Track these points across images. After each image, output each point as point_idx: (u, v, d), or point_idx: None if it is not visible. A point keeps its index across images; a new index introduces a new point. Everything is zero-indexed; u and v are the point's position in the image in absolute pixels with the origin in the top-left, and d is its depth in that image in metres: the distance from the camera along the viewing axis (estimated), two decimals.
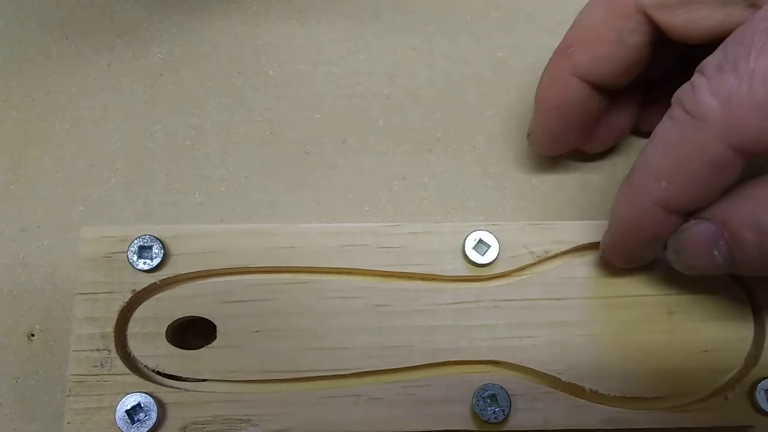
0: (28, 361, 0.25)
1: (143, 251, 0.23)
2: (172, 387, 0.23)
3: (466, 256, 0.24)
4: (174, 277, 0.24)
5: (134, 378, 0.23)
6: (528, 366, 0.23)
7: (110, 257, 0.23)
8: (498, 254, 0.24)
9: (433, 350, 0.23)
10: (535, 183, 0.28)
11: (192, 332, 0.24)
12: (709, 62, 0.19)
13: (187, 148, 0.28)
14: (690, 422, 0.23)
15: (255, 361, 0.23)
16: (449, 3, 0.30)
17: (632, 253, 0.23)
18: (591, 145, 0.27)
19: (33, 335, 0.26)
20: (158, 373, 0.23)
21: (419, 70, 0.29)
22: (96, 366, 0.23)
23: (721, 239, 0.20)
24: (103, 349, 0.23)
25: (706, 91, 0.19)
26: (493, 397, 0.23)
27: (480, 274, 0.24)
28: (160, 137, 0.28)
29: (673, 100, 0.20)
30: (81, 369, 0.23)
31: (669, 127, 0.20)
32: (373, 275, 0.24)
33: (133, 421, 0.22)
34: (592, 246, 0.24)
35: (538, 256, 0.24)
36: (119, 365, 0.23)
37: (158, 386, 0.23)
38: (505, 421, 0.22)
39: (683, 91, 0.20)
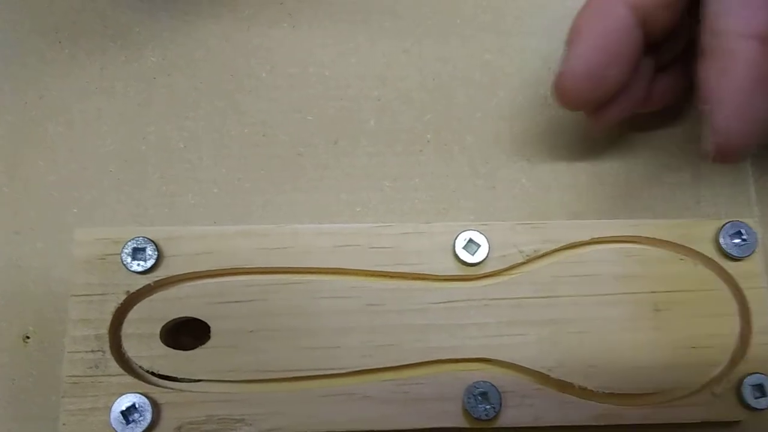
0: (23, 362, 0.25)
1: (137, 253, 0.24)
2: (167, 387, 0.23)
3: (456, 256, 0.24)
4: (168, 278, 0.24)
5: (129, 379, 0.23)
6: (518, 363, 0.23)
7: (104, 259, 0.24)
8: (488, 254, 0.24)
9: (424, 349, 0.24)
10: (525, 183, 0.28)
11: (186, 333, 0.24)
12: None
13: (180, 150, 0.28)
14: (677, 418, 0.23)
15: (249, 361, 0.23)
16: (438, 6, 0.30)
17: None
18: (612, 109, 0.26)
19: (28, 337, 0.26)
20: (153, 373, 0.23)
21: (409, 72, 0.30)
22: (91, 367, 0.23)
23: None
24: (98, 351, 0.23)
25: None
26: (484, 394, 0.23)
27: (470, 273, 0.24)
28: (153, 140, 0.28)
29: None
30: (76, 370, 0.23)
31: None
32: (366, 275, 0.24)
33: (128, 422, 0.22)
34: (581, 245, 0.25)
35: (527, 255, 0.24)
36: (114, 366, 0.23)
37: (153, 387, 0.23)
38: (496, 418, 0.23)
39: None
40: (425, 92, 0.29)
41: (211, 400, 0.23)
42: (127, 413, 0.22)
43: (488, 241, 0.24)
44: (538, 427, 0.23)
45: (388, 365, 0.23)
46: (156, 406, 0.23)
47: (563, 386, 0.23)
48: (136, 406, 0.22)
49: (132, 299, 0.24)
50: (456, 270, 0.24)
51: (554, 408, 0.23)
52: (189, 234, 0.24)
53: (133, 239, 0.24)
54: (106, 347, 0.23)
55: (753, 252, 0.24)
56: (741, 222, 0.25)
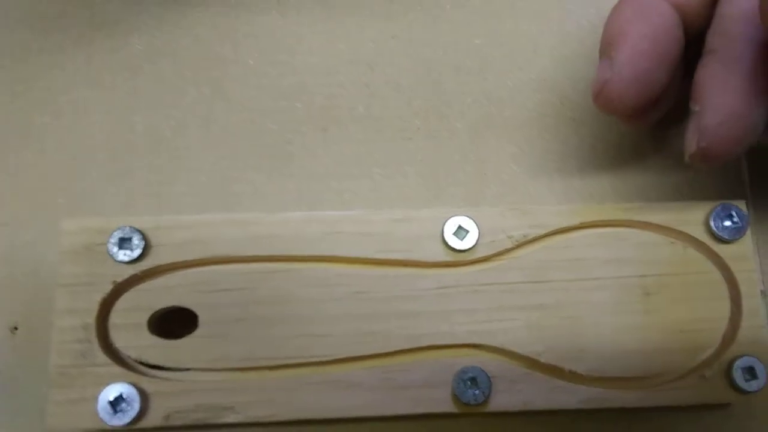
0: (11, 354, 0.25)
1: (123, 243, 0.23)
2: (155, 377, 0.23)
3: (445, 242, 0.24)
4: (155, 267, 0.24)
5: (116, 369, 0.23)
6: (508, 348, 0.23)
7: (90, 249, 0.24)
8: (477, 239, 0.24)
9: (414, 335, 0.24)
10: (515, 169, 0.28)
11: (174, 322, 0.24)
12: None
13: (167, 139, 0.28)
14: (668, 401, 0.23)
15: (237, 350, 0.23)
16: None
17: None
18: (653, 113, 0.25)
19: (16, 328, 0.26)
20: (140, 363, 0.23)
21: (399, 58, 0.29)
22: (78, 357, 0.23)
23: None
24: (85, 341, 0.23)
25: None
26: (473, 379, 0.23)
27: (460, 259, 0.24)
28: (140, 129, 0.28)
29: None
30: (63, 360, 0.23)
31: None
32: (354, 262, 0.24)
33: (115, 412, 0.22)
34: (570, 229, 0.24)
35: (516, 241, 0.24)
36: (101, 356, 0.23)
37: (141, 376, 0.23)
38: (485, 402, 0.23)
39: None
40: (414, 78, 0.29)
41: (199, 388, 0.23)
42: (115, 403, 0.22)
43: (477, 227, 0.24)
44: (527, 412, 0.23)
45: (377, 352, 0.23)
46: (144, 396, 0.23)
47: (553, 371, 0.23)
48: (124, 395, 0.22)
49: (119, 289, 0.23)
50: (445, 256, 0.24)
51: (544, 393, 0.23)
52: (176, 223, 0.24)
53: (119, 229, 0.24)
54: (93, 337, 0.23)
55: (744, 234, 0.24)
56: (732, 204, 0.24)
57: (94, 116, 0.28)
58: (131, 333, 0.23)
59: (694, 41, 0.24)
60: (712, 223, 0.24)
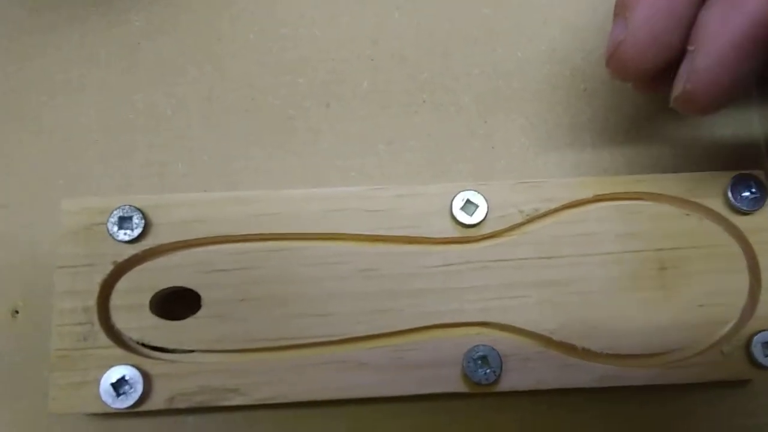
0: (13, 337, 0.25)
1: (123, 222, 0.23)
2: (158, 359, 0.23)
3: (453, 217, 0.23)
4: (156, 247, 0.23)
5: (119, 351, 0.22)
6: (519, 326, 0.23)
7: (90, 229, 0.23)
8: (486, 214, 0.23)
9: (421, 314, 0.23)
10: (524, 142, 0.27)
11: (177, 303, 0.24)
12: None
13: (168, 117, 0.27)
14: (685, 378, 0.22)
15: (241, 330, 0.23)
16: None
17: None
18: (668, 77, 0.23)
19: (17, 312, 0.25)
20: (143, 345, 0.23)
21: (403, 30, 0.29)
22: (79, 340, 0.22)
23: None
24: (86, 323, 0.22)
25: None
26: (484, 358, 0.22)
27: (469, 234, 0.23)
28: (140, 107, 0.27)
29: None
30: (64, 343, 0.22)
31: None
32: (360, 240, 0.24)
33: (118, 394, 0.22)
34: (582, 203, 0.24)
35: (527, 215, 0.24)
36: (103, 338, 0.22)
37: (143, 358, 0.22)
38: (496, 382, 0.22)
39: None
40: (420, 51, 0.28)
41: (203, 370, 0.22)
42: (118, 385, 0.22)
43: (487, 202, 0.23)
44: (539, 391, 0.22)
45: (384, 331, 0.23)
46: (147, 378, 0.22)
47: (565, 348, 0.23)
48: (127, 378, 0.22)
49: (120, 269, 0.23)
50: (453, 232, 0.23)
51: (556, 371, 0.22)
52: (177, 201, 0.24)
53: (119, 208, 0.23)
54: (95, 319, 0.22)
55: (763, 205, 0.23)
56: (750, 174, 0.24)
57: (91, 95, 0.28)
58: (133, 314, 0.23)
59: None
60: (730, 194, 0.23)
